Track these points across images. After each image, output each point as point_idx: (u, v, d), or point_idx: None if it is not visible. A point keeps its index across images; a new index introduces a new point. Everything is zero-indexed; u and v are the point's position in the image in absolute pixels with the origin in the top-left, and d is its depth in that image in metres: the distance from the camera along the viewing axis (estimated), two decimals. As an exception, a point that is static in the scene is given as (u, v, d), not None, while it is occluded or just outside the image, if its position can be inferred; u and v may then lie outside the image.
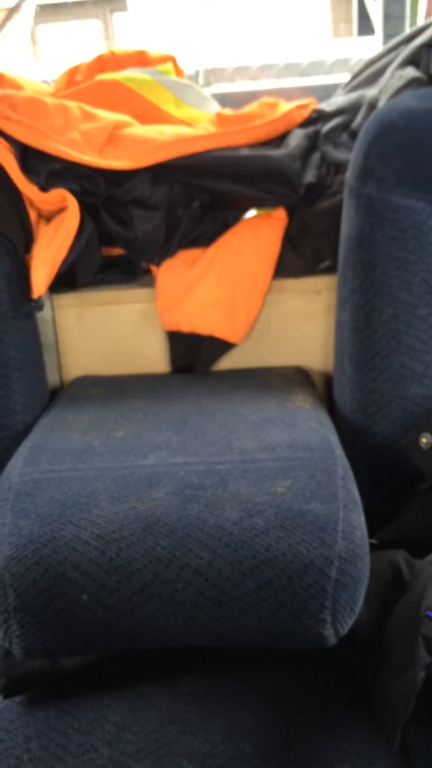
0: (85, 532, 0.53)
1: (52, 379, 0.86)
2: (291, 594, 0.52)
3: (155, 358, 0.88)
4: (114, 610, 0.51)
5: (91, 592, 0.51)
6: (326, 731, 0.57)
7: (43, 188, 0.75)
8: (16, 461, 0.63)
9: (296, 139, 0.82)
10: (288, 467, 0.60)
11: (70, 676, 0.61)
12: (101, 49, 0.94)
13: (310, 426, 0.69)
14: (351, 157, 0.73)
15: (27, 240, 0.77)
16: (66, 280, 0.81)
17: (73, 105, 0.79)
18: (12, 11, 1.50)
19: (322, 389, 0.87)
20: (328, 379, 0.87)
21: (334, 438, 0.67)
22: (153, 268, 0.86)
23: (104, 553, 0.52)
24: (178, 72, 0.95)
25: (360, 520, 0.56)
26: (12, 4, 1.58)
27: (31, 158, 0.74)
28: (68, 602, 0.51)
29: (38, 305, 0.77)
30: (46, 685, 0.61)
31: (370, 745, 0.55)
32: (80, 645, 0.54)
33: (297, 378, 0.83)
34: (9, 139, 0.72)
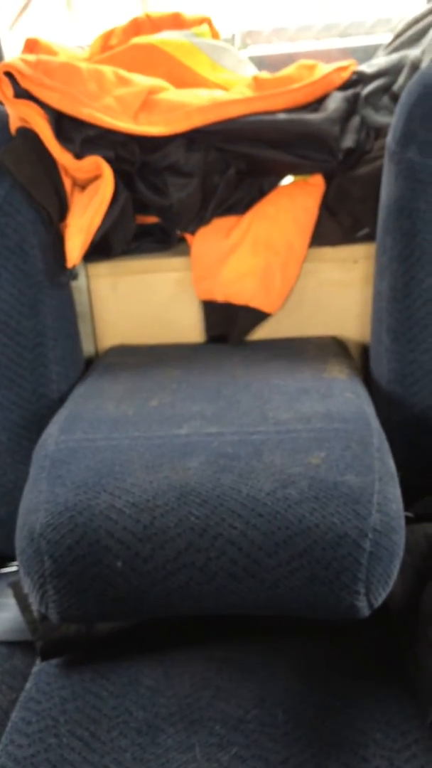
0: (119, 501, 0.53)
1: (87, 348, 0.87)
2: (324, 565, 0.51)
3: (189, 328, 0.88)
4: (148, 577, 0.52)
5: (125, 559, 0.51)
6: (359, 701, 0.57)
7: (78, 156, 0.74)
8: (52, 429, 0.64)
9: (335, 102, 0.80)
10: (323, 438, 0.60)
11: (105, 640, 0.62)
12: (136, 12, 0.92)
13: (346, 397, 0.68)
14: (392, 120, 0.71)
15: (62, 209, 0.76)
16: (100, 249, 0.80)
17: (107, 70, 0.77)
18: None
19: (359, 360, 0.86)
20: (364, 350, 0.86)
21: (370, 409, 0.66)
22: (188, 236, 0.85)
23: (138, 521, 0.52)
24: (214, 34, 0.93)
25: (395, 492, 0.56)
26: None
27: (65, 125, 0.73)
28: (103, 569, 0.51)
29: (73, 274, 0.77)
30: (81, 648, 0.62)
31: (404, 716, 0.55)
32: (115, 611, 0.54)
33: (333, 348, 0.82)
34: (43, 106, 0.72)
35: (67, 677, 0.60)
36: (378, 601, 0.53)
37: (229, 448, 0.59)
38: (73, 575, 0.51)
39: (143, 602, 0.53)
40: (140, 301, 0.86)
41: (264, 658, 0.61)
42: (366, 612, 0.53)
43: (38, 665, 0.62)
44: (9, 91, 0.70)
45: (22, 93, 0.71)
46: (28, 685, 0.60)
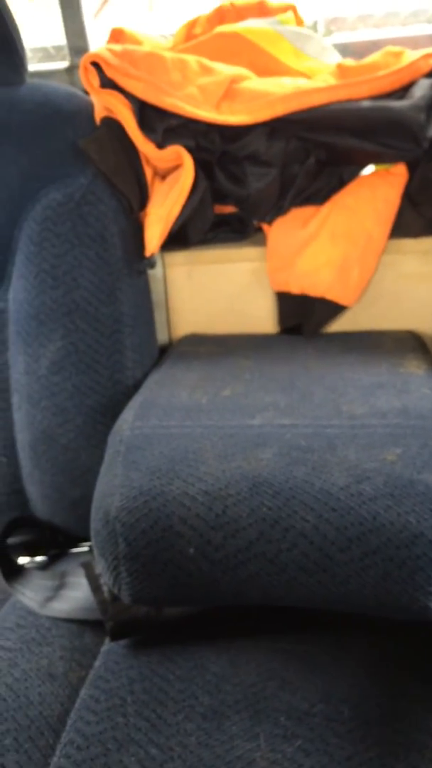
0: (192, 488, 0.54)
1: (162, 336, 0.88)
2: (398, 564, 0.50)
3: (263, 319, 0.87)
4: (219, 565, 0.52)
5: (197, 546, 0.52)
6: (428, 703, 0.56)
7: (160, 145, 0.74)
8: (127, 415, 0.65)
9: (422, 89, 0.77)
10: (399, 434, 0.59)
11: (173, 624, 0.63)
12: (219, 1, 0.92)
13: (423, 393, 0.66)
14: None
15: (142, 198, 0.77)
16: (177, 238, 0.81)
17: (191, 59, 0.78)
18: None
19: (437, 356, 0.84)
20: (443, 345, 0.83)
21: None
22: (264, 226, 0.85)
23: (211, 509, 0.53)
24: (299, 21, 0.92)
25: None
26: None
27: (148, 115, 0.74)
28: (175, 554, 0.52)
29: (151, 263, 0.78)
30: (150, 631, 0.63)
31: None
32: (185, 596, 0.55)
33: (410, 343, 0.80)
34: (128, 95, 0.73)
35: (135, 658, 0.61)
36: (452, 602, 0.51)
37: (302, 441, 0.59)
38: (146, 559, 0.52)
39: (213, 589, 0.53)
40: (215, 291, 0.87)
41: (331, 652, 0.61)
42: (439, 613, 0.52)
43: (107, 645, 0.63)
44: (95, 80, 0.71)
45: (107, 83, 0.72)
46: (97, 663, 0.62)
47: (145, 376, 0.77)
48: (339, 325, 0.85)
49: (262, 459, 0.57)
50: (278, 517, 0.52)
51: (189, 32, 0.88)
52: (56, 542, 0.78)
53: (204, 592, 0.54)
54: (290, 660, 0.61)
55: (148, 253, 0.74)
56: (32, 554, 0.78)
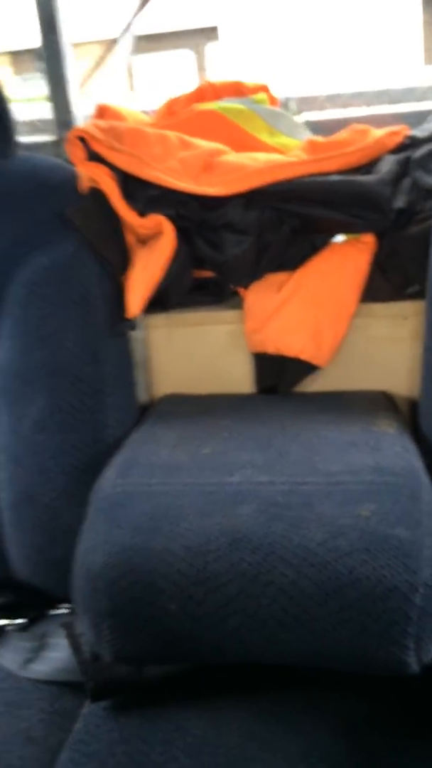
0: (174, 544, 0.55)
1: (142, 395, 0.89)
2: (374, 618, 0.52)
3: (241, 379, 0.90)
4: (200, 621, 0.53)
5: (179, 602, 0.53)
6: (406, 761, 0.56)
7: (141, 213, 0.78)
8: (109, 473, 0.66)
9: (387, 164, 0.83)
10: (373, 491, 0.60)
11: (154, 684, 0.63)
12: (193, 78, 0.98)
13: (395, 451, 0.68)
14: (443, 183, 0.73)
15: (124, 262, 0.80)
16: (157, 301, 0.84)
17: (171, 134, 0.82)
18: (112, 44, 1.57)
19: (407, 415, 0.87)
20: (413, 405, 0.86)
21: (419, 464, 0.66)
22: (241, 290, 0.88)
23: (192, 565, 0.53)
24: (272, 101, 0.98)
25: None
26: (108, 36, 1.66)
27: (131, 185, 0.78)
28: (157, 611, 0.53)
29: (132, 325, 0.80)
30: (131, 691, 0.63)
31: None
32: (167, 653, 0.55)
33: (382, 402, 0.83)
34: (112, 167, 0.76)
35: (116, 720, 0.60)
36: (428, 657, 0.53)
37: (280, 498, 0.60)
38: (129, 615, 0.53)
39: (195, 646, 0.54)
40: (194, 352, 0.89)
41: (311, 710, 0.61)
42: (415, 668, 0.53)
43: (87, 707, 0.63)
44: (82, 153, 0.75)
45: (92, 155, 0.76)
46: (77, 726, 0.61)
47: (126, 434, 0.78)
48: (314, 385, 0.88)
49: (241, 515, 0.58)
50: (258, 572, 0.53)
51: (170, 109, 0.94)
52: (36, 604, 0.77)
53: (186, 649, 0.54)
54: (270, 720, 0.61)
55: (129, 315, 0.77)
56: (11, 617, 0.77)
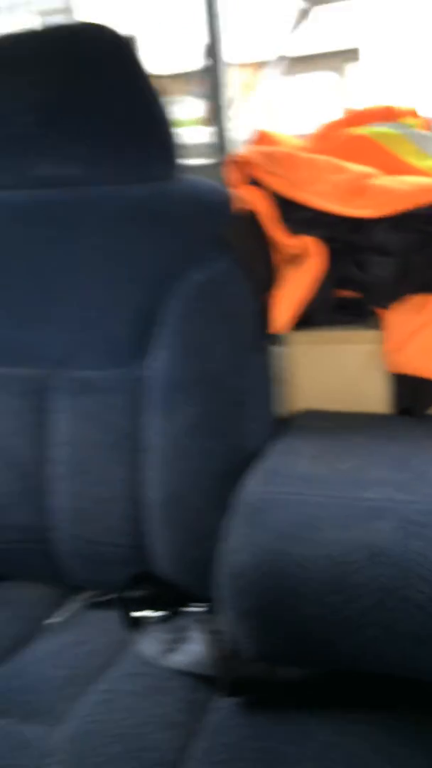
0: (314, 552, 0.57)
1: (279, 409, 0.92)
2: None
3: (377, 398, 0.91)
4: (337, 628, 0.55)
5: (317, 608, 0.55)
6: None
7: (292, 234, 0.82)
8: (252, 480, 0.69)
9: None
10: None
11: (285, 686, 0.65)
12: (335, 99, 1.01)
13: None
14: None
15: (271, 280, 0.84)
16: (301, 319, 0.87)
17: (321, 158, 0.85)
18: (259, 67, 1.62)
19: None
20: None
21: None
22: (380, 310, 0.89)
23: (332, 574, 0.55)
24: (422, 124, 0.99)
25: None
26: (254, 59, 1.72)
27: (283, 207, 0.82)
28: (296, 614, 0.55)
29: (275, 340, 0.84)
30: (261, 692, 0.65)
31: None
32: (303, 656, 0.57)
33: None
34: (266, 189, 0.81)
35: (247, 717, 0.63)
36: None
37: (418, 516, 0.61)
38: (269, 616, 0.55)
39: (330, 652, 0.55)
40: (332, 369, 0.91)
41: None
42: None
43: (219, 700, 0.66)
44: (239, 176, 0.80)
45: (249, 178, 0.81)
46: (210, 718, 0.64)
47: (263, 444, 0.81)
48: (452, 407, 0.87)
49: (380, 530, 0.59)
50: (395, 587, 0.54)
51: (323, 133, 0.97)
52: (173, 599, 0.81)
53: (321, 654, 0.56)
54: (396, 733, 0.61)
55: (275, 331, 0.80)
56: (152, 609, 0.82)
